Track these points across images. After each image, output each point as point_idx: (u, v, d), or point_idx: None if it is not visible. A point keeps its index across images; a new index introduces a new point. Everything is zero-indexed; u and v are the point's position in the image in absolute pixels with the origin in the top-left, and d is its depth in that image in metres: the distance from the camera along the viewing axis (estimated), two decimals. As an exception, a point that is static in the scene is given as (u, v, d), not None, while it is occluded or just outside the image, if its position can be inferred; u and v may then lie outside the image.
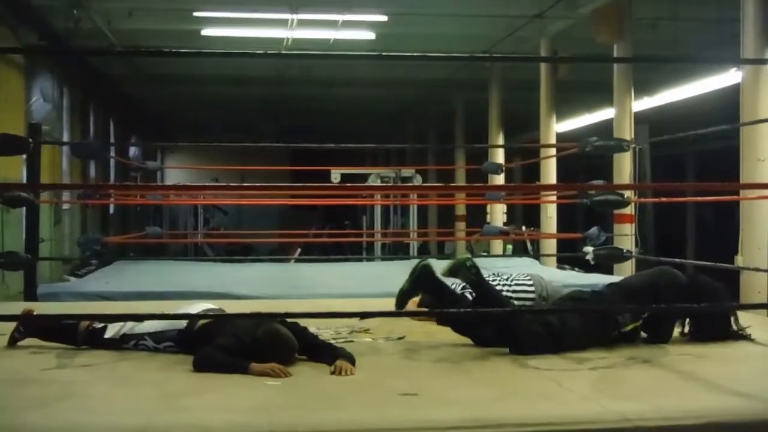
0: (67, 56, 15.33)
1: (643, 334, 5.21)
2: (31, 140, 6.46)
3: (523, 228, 17.23)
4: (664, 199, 11.17)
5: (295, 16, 12.90)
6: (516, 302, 6.22)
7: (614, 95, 11.47)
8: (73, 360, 4.60)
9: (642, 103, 14.87)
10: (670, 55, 14.48)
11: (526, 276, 6.52)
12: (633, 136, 10.50)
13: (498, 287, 6.41)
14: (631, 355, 4.74)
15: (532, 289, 6.26)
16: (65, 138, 15.14)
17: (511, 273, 6.68)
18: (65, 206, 14.52)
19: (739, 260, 8.38)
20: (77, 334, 4.88)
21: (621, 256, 7.59)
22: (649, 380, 4.18)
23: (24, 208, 8.35)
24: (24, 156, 9.01)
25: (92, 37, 13.51)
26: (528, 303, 6.04)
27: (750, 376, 4.22)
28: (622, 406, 3.59)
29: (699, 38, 13.79)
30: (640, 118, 11.40)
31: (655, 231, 9.79)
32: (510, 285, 6.42)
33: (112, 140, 20.79)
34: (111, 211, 20.00)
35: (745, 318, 6.23)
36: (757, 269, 8.03)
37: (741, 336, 5.25)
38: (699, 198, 13.79)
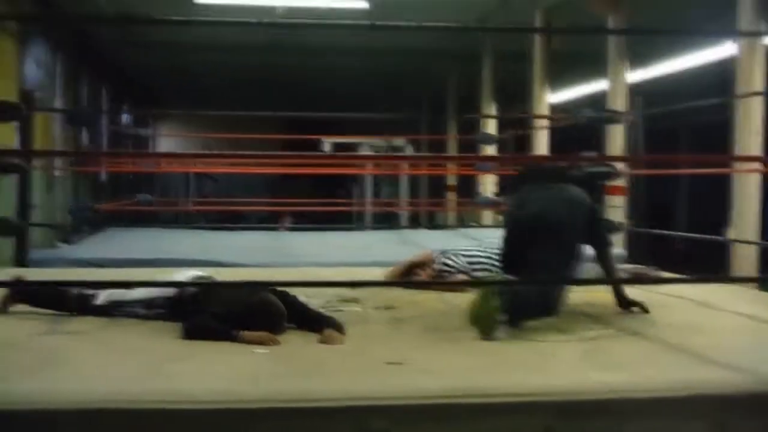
0: (58, 23, 15.18)
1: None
2: (24, 107, 6.46)
3: (515, 199, 17.17)
4: (656, 172, 11.16)
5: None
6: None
7: (608, 66, 11.42)
8: (63, 326, 4.60)
9: (636, 75, 14.83)
10: (665, 26, 14.42)
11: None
12: (626, 108, 10.46)
13: (482, 256, 6.42)
14: (619, 327, 4.77)
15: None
16: (57, 105, 15.06)
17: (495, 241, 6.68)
18: (57, 173, 14.47)
19: (731, 233, 8.37)
20: (67, 301, 4.89)
21: (613, 228, 7.59)
22: (636, 352, 4.20)
23: (16, 175, 8.31)
24: (17, 123, 8.96)
25: (84, 3, 13.39)
26: None
27: (736, 348, 4.24)
28: (609, 377, 3.61)
29: (695, 10, 13.72)
30: (634, 90, 11.35)
31: (647, 203, 9.77)
32: (493, 254, 6.41)
33: (104, 107, 20.68)
34: (102, 178, 19.94)
35: (734, 291, 6.26)
36: (748, 242, 8.05)
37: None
38: (691, 170, 13.77)
